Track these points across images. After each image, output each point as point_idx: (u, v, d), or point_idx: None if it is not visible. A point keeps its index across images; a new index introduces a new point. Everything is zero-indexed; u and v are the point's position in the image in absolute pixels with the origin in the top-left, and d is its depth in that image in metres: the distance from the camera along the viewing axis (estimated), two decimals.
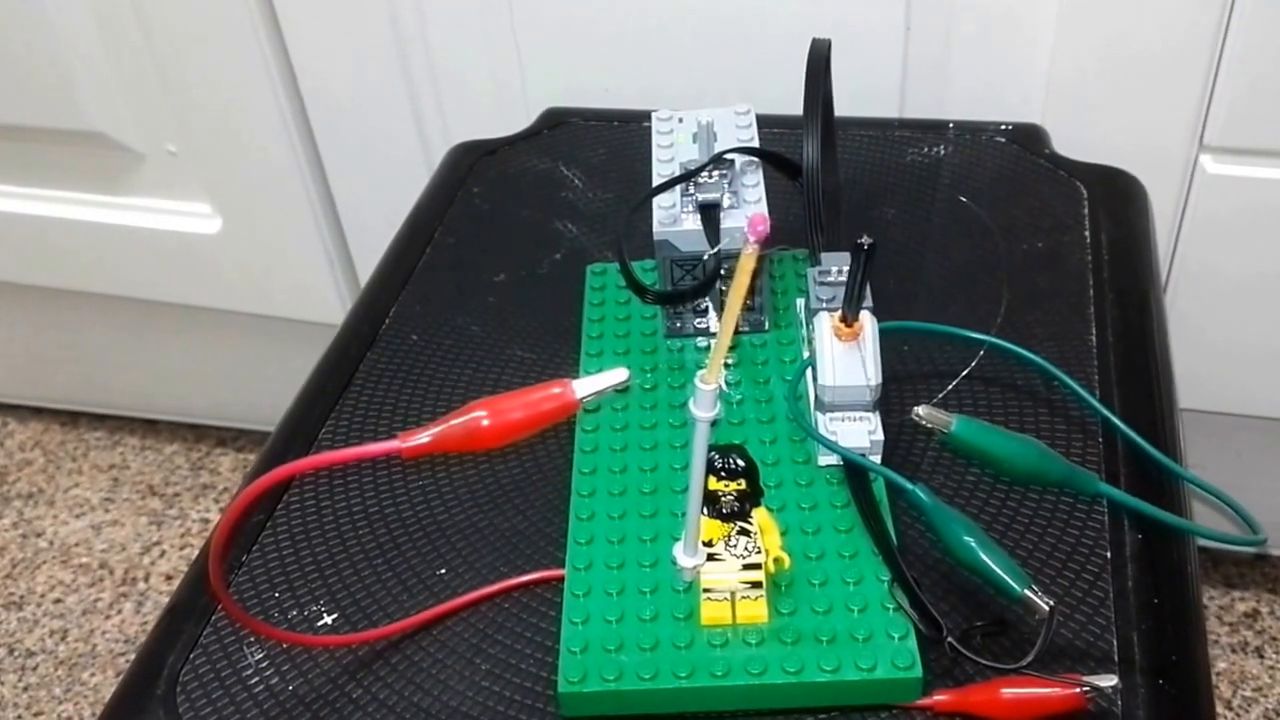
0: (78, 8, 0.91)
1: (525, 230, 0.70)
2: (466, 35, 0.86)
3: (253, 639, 0.49)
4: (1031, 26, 0.76)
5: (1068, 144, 0.73)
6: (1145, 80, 0.75)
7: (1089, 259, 0.63)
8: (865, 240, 0.45)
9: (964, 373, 0.56)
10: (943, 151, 0.73)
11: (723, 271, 0.55)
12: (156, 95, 0.94)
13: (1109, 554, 0.49)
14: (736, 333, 0.56)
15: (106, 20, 0.91)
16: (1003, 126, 0.74)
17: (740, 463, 0.47)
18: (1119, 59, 0.75)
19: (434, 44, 0.87)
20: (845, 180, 0.69)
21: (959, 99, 0.80)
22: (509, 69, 0.86)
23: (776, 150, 0.59)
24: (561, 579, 0.48)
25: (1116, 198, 0.68)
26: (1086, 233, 0.65)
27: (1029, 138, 0.73)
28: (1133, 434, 0.52)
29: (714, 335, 0.59)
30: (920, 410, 0.49)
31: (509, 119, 0.86)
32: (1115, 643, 0.46)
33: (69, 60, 0.94)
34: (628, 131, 0.77)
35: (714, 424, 0.39)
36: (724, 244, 0.54)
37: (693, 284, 0.56)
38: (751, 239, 0.33)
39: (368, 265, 0.68)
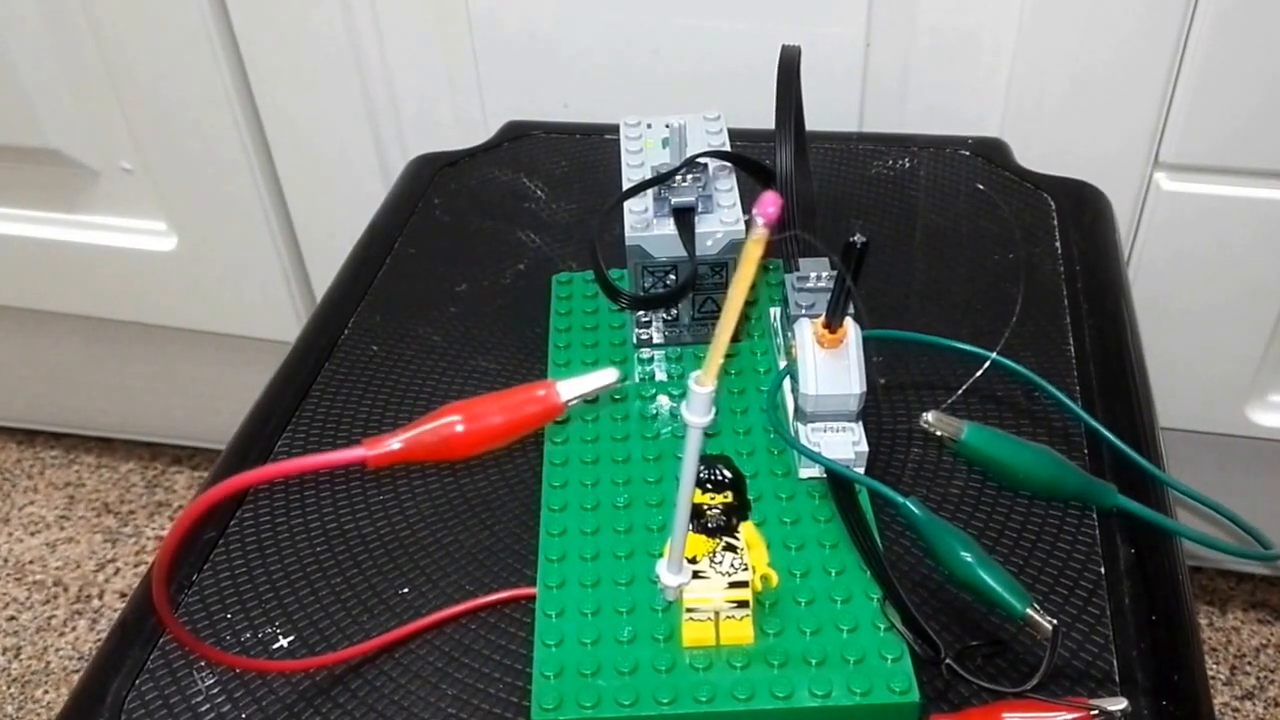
0: (33, 23, 0.86)
1: (487, 241, 0.65)
2: (424, 50, 0.81)
3: (203, 663, 0.43)
4: (990, 44, 0.73)
5: (1025, 160, 0.69)
6: (1102, 99, 0.72)
7: (1061, 270, 0.59)
8: (858, 238, 0.40)
9: (965, 386, 0.51)
10: (907, 164, 0.68)
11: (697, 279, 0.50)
12: (112, 112, 0.89)
13: (1103, 569, 0.44)
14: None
15: (62, 36, 0.86)
16: (967, 140, 0.70)
17: (727, 474, 0.42)
18: (1077, 77, 0.72)
19: (391, 59, 0.82)
20: None
21: (917, 114, 0.76)
22: (467, 85, 0.82)
23: (749, 155, 0.54)
24: (532, 598, 0.43)
25: (1084, 210, 0.64)
26: (1057, 244, 0.61)
27: (993, 151, 0.69)
28: (1127, 449, 0.47)
29: (686, 345, 0.54)
30: (929, 416, 0.44)
31: (467, 135, 0.81)
32: (1115, 662, 0.41)
33: (24, 76, 0.89)
34: (589, 144, 0.72)
35: (709, 433, 0.34)
36: (698, 250, 0.50)
37: (667, 290, 0.51)
38: (761, 220, 0.28)
39: (324, 283, 0.63)
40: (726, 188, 0.52)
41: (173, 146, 0.90)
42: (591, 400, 0.42)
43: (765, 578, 0.41)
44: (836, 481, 0.45)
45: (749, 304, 0.55)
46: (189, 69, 0.84)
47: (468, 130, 0.83)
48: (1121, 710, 0.38)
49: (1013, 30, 0.71)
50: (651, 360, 0.53)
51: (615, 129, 0.57)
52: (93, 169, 0.94)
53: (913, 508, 0.43)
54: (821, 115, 0.72)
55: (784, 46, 0.55)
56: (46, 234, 0.98)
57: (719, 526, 0.41)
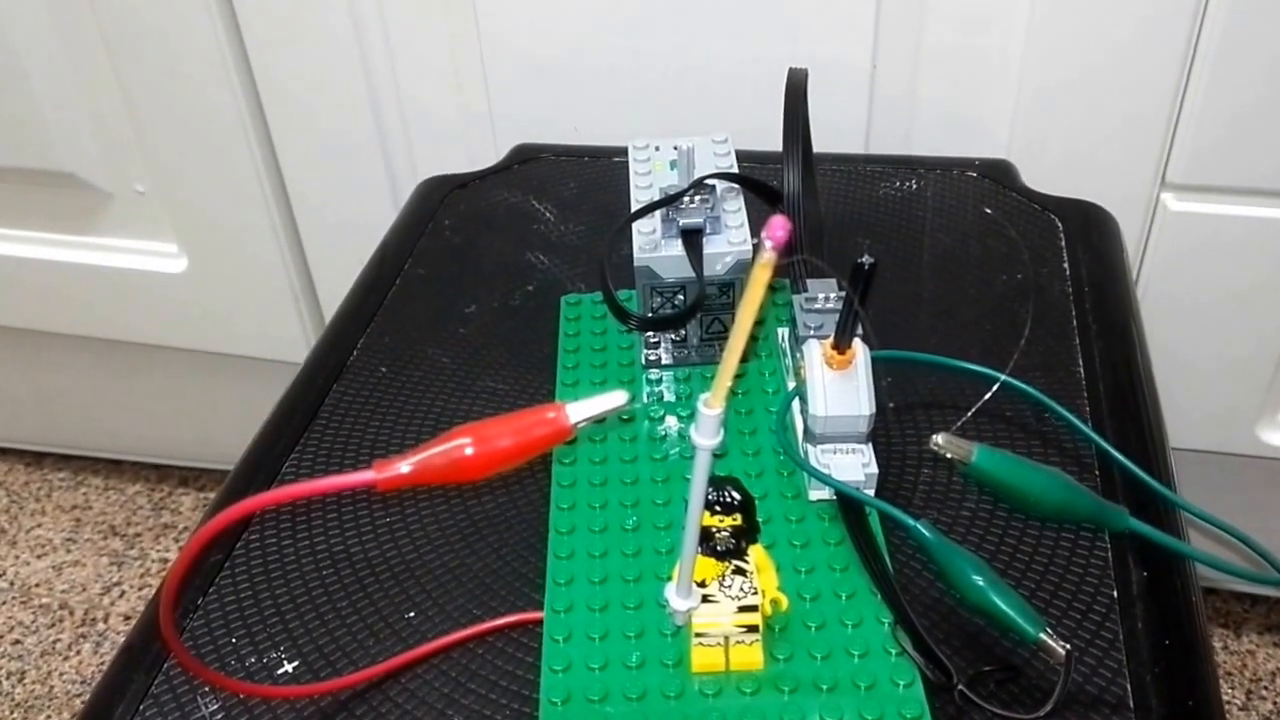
0: (49, 48, 0.86)
1: (497, 262, 0.64)
2: (436, 73, 0.81)
3: (207, 689, 0.42)
4: (997, 66, 0.72)
5: (1032, 181, 0.69)
6: (1109, 120, 0.72)
7: (1069, 291, 0.59)
8: (866, 259, 0.39)
9: (975, 407, 0.50)
10: (914, 186, 0.68)
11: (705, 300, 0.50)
12: (126, 135, 0.89)
13: (1115, 592, 0.43)
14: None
15: (77, 60, 0.86)
16: (974, 161, 0.69)
17: (736, 496, 0.41)
18: (1084, 99, 0.71)
19: (403, 82, 0.82)
20: None
21: (924, 136, 0.76)
22: (478, 107, 0.82)
23: (756, 177, 0.54)
24: (540, 622, 0.42)
25: (1092, 230, 0.63)
26: (1065, 265, 0.60)
27: (999, 173, 0.68)
28: (1139, 470, 0.47)
29: (694, 366, 0.53)
30: (939, 438, 0.44)
31: (477, 157, 0.81)
32: (1129, 687, 0.40)
33: (39, 100, 0.88)
34: (599, 166, 0.72)
35: (717, 454, 0.33)
36: (706, 271, 0.49)
37: (675, 311, 0.50)
38: (769, 244, 0.27)
39: (333, 305, 0.63)
40: (734, 209, 0.51)
41: (185, 169, 0.90)
42: (600, 421, 0.41)
43: (775, 602, 0.40)
44: (846, 504, 0.44)
45: (757, 324, 0.54)
46: (202, 92, 0.84)
47: (477, 152, 0.83)
48: None
49: (1019, 52, 0.71)
50: (660, 381, 0.53)
51: (624, 151, 0.57)
52: (106, 191, 0.94)
53: (924, 530, 0.42)
54: (828, 137, 0.72)
55: (791, 69, 0.55)
56: (59, 256, 0.99)
57: (728, 549, 0.40)
